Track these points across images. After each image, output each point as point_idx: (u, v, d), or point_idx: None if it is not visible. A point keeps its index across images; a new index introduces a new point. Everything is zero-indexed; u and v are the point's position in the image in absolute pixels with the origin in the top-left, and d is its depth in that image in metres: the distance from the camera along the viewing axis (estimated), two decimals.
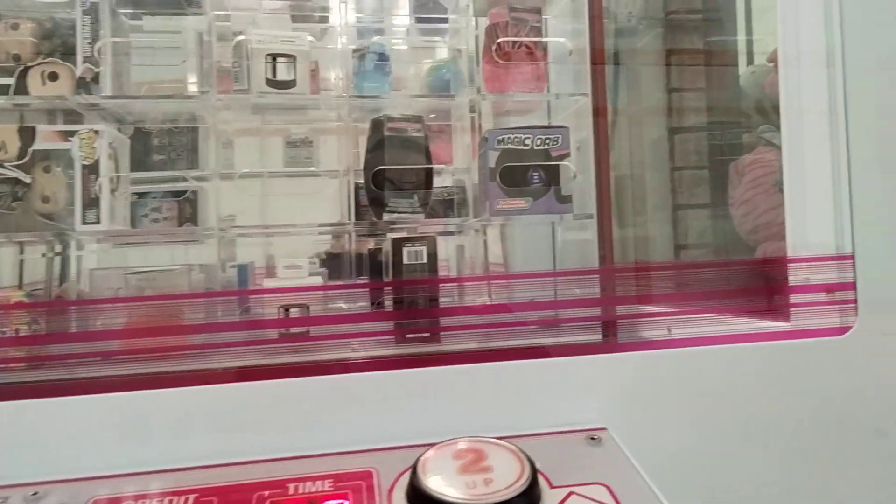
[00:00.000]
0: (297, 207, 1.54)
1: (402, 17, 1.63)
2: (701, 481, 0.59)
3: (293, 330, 1.08)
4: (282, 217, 1.51)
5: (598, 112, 1.18)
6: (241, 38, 1.06)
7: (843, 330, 0.61)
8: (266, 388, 0.56)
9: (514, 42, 1.13)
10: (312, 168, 1.59)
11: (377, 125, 1.11)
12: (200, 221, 1.38)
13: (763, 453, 0.59)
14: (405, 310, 1.05)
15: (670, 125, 1.62)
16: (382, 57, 1.49)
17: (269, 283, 1.08)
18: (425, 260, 1.10)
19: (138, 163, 1.41)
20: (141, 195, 1.51)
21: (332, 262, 1.33)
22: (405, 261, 1.10)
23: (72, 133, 1.07)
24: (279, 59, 1.07)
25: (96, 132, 1.06)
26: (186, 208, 1.45)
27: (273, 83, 1.08)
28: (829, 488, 0.62)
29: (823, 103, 0.66)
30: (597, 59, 1.23)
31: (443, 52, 1.53)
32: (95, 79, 1.07)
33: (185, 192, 1.43)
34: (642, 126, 1.64)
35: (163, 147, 1.43)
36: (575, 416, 0.55)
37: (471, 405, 0.56)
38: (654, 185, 1.61)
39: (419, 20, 1.55)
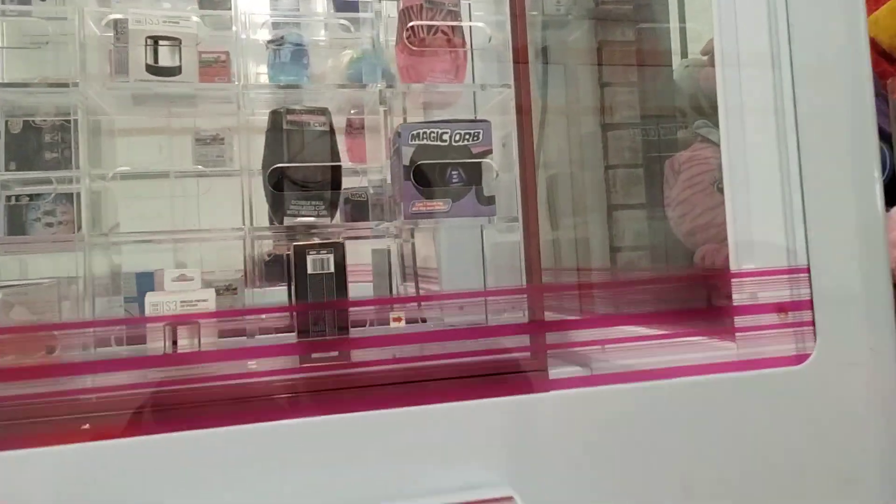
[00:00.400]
0: (210, 209, 1.40)
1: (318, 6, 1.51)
2: None
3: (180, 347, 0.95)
4: (192, 221, 1.37)
5: (522, 110, 1.08)
6: (114, 16, 0.91)
7: (799, 359, 0.52)
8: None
9: (430, 27, 1.02)
10: (219, 168, 1.46)
11: (276, 118, 0.99)
12: (102, 225, 1.23)
13: None
14: (308, 341, 0.93)
15: (603, 121, 1.54)
16: (299, 47, 1.37)
17: (152, 299, 0.94)
18: (332, 269, 0.98)
19: (29, 161, 1.25)
20: (32, 197, 1.35)
21: (272, 266, 1.20)
22: (309, 270, 0.97)
23: None
24: (161, 43, 0.93)
25: None
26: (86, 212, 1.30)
27: (154, 69, 0.94)
28: None
29: (769, 103, 0.58)
30: (519, 57, 1.14)
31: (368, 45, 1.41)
32: None
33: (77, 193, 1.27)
34: (574, 123, 1.56)
35: (55, 144, 1.27)
36: (477, 478, 0.45)
37: (367, 463, 0.45)
38: (588, 185, 1.53)
39: (338, 8, 1.42)
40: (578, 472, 0.48)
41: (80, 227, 1.20)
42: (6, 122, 1.22)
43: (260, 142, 1.05)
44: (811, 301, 0.52)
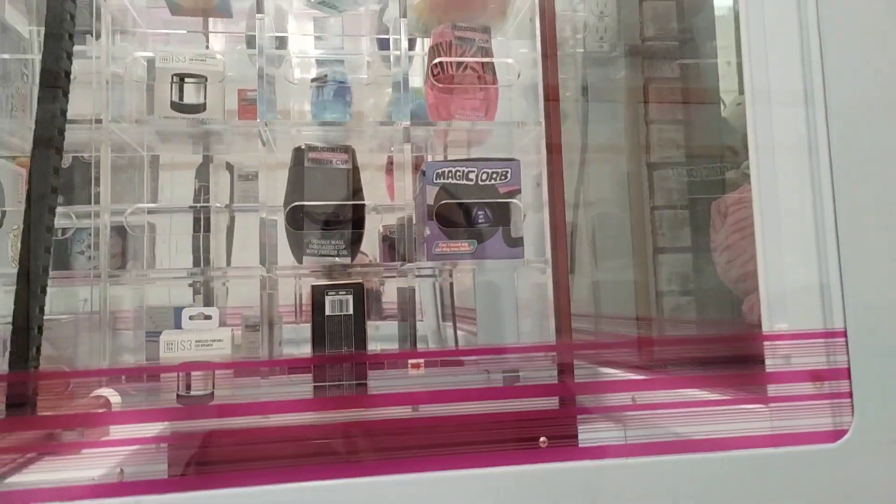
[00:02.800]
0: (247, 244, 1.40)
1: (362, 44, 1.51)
2: None
3: (194, 392, 0.92)
4: (240, 257, 1.36)
5: (552, 149, 1.04)
6: (141, 54, 0.92)
7: (836, 435, 0.46)
8: None
9: (459, 64, 0.99)
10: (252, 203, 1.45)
11: (298, 155, 0.97)
12: (146, 260, 1.24)
13: None
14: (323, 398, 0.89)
15: (648, 160, 1.48)
16: (342, 85, 1.37)
17: (167, 337, 0.92)
18: (351, 311, 0.95)
19: (76, 195, 1.27)
20: (77, 230, 1.37)
21: None
22: (328, 312, 0.94)
23: None
24: (187, 80, 0.93)
25: None
26: (129, 245, 1.32)
27: (178, 107, 0.94)
28: None
29: (802, 142, 0.52)
30: (550, 94, 1.10)
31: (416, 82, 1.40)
32: None
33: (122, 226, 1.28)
34: (618, 161, 1.51)
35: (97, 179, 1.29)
36: None
37: None
38: (632, 226, 1.47)
39: (381, 46, 1.42)
40: None
41: (124, 262, 1.21)
42: None
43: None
44: (848, 370, 0.46)
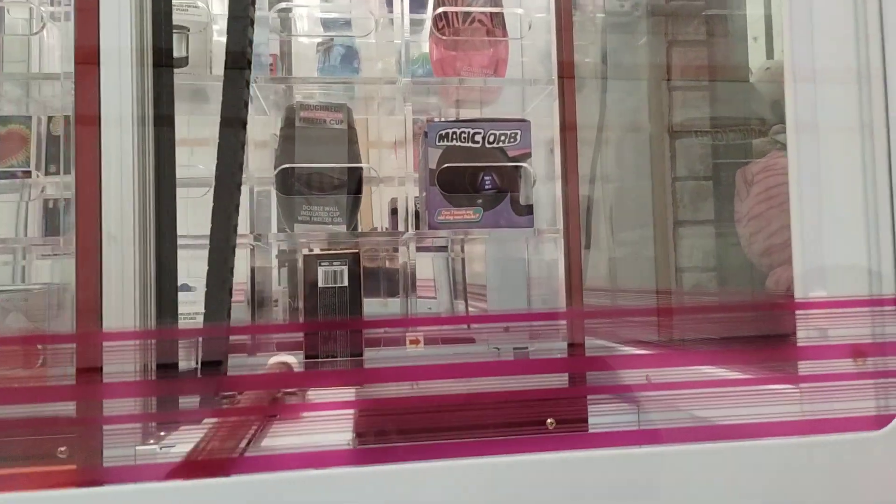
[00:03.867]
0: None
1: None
2: None
3: None
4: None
5: (566, 126, 0.97)
6: None
7: (880, 421, 0.38)
8: None
9: (465, 15, 0.91)
10: None
11: (289, 115, 0.90)
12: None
13: None
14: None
15: (671, 129, 1.40)
16: (350, 50, 1.30)
17: None
18: (346, 283, 0.88)
19: (68, 164, 1.22)
20: (67, 200, 1.33)
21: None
22: (320, 283, 0.88)
23: None
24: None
25: None
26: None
27: None
28: None
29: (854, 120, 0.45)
30: (564, 71, 1.03)
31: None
32: None
33: None
34: (638, 130, 1.43)
35: None
36: None
37: None
38: (652, 198, 1.39)
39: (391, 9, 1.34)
40: None
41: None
42: (49, 123, 1.20)
43: None
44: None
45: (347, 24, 1.34)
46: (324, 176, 0.89)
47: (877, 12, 0.44)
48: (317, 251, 0.90)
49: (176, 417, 0.49)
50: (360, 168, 0.92)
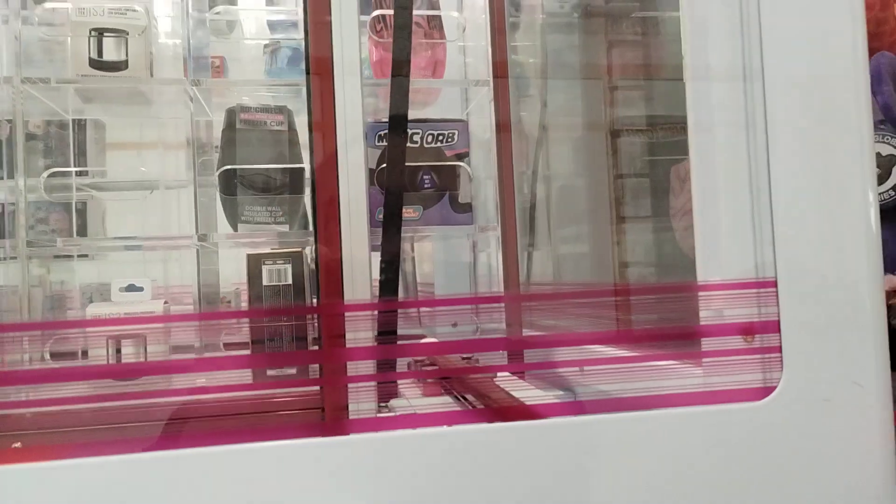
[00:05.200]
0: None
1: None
2: None
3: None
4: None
5: (501, 127, 1.01)
6: (52, 5, 0.86)
7: (764, 392, 0.42)
8: None
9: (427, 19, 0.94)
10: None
11: (230, 117, 0.92)
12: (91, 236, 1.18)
13: None
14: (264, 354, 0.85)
15: (612, 127, 1.44)
16: (297, 52, 1.32)
17: (93, 310, 0.87)
18: (290, 280, 0.90)
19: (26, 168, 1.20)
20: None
21: None
22: (265, 282, 0.90)
23: None
24: (106, 35, 0.87)
25: None
26: (77, 220, 1.26)
27: (98, 64, 0.88)
28: None
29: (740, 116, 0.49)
30: (498, 71, 1.07)
31: None
32: None
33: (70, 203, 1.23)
34: (581, 128, 1.47)
35: (49, 150, 1.23)
36: None
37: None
38: (594, 196, 1.43)
39: None
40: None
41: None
42: None
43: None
44: (778, 322, 0.42)
45: (294, 25, 1.36)
46: (265, 177, 0.91)
47: (756, 14, 0.47)
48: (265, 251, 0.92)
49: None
50: (302, 168, 0.94)
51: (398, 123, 0.72)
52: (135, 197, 1.21)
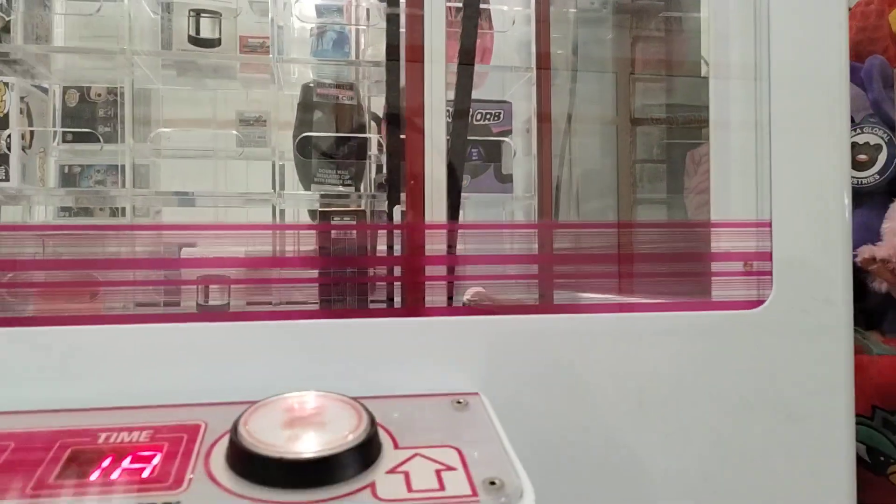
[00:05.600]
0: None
1: None
2: (585, 457, 0.53)
3: (212, 301, 1.02)
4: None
5: (542, 118, 1.15)
6: None
7: (758, 303, 0.56)
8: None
9: (457, 10, 1.07)
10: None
11: (306, 91, 1.06)
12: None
13: (659, 432, 0.53)
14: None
15: (633, 116, 1.57)
16: (341, 36, 1.44)
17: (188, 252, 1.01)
18: (354, 236, 1.04)
19: (83, 134, 1.35)
20: (83, 167, 1.46)
21: None
22: (333, 236, 1.04)
23: None
24: (203, 15, 1.01)
25: (6, 84, 1.00)
26: (133, 184, 1.40)
27: (196, 41, 1.02)
28: (731, 473, 0.57)
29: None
30: (542, 63, 1.20)
31: None
32: (6, 28, 1.00)
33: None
34: (604, 119, 1.60)
35: (108, 119, 1.37)
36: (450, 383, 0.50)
37: (345, 362, 0.50)
38: (617, 179, 1.56)
39: None
40: (550, 386, 0.53)
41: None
42: (64, 94, 1.32)
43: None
44: (771, 253, 0.56)
45: (338, 10, 1.49)
46: (337, 144, 1.05)
47: (766, 14, 0.60)
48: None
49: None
50: (366, 138, 1.08)
51: (463, 106, 0.84)
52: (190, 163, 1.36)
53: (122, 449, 0.38)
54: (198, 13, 1.01)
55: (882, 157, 1.06)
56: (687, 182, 1.38)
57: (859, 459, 0.97)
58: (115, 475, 0.35)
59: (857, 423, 0.99)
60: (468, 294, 0.96)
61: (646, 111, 1.57)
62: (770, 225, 0.57)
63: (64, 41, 1.23)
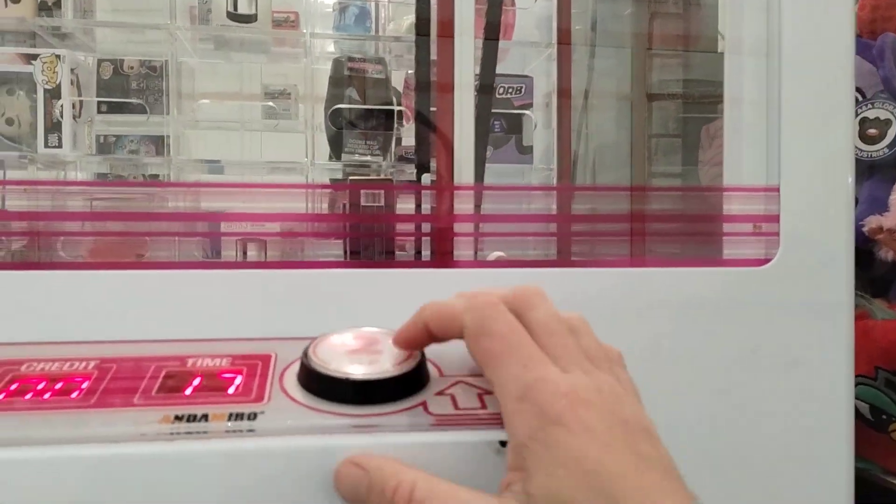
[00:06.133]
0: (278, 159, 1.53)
1: None
2: None
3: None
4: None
5: (563, 93, 1.19)
6: None
7: (766, 261, 0.61)
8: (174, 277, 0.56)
9: None
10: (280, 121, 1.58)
11: (338, 65, 1.11)
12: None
13: (670, 380, 0.59)
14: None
15: (649, 90, 1.61)
16: (363, 11, 1.49)
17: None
18: (382, 203, 1.10)
19: (118, 105, 1.41)
20: (118, 137, 1.52)
21: None
22: (363, 203, 1.10)
23: (34, 56, 1.06)
24: None
25: (58, 57, 1.05)
26: (165, 153, 1.46)
27: (234, 17, 1.07)
28: (737, 420, 0.62)
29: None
30: (563, 38, 1.24)
31: None
32: (57, 3, 1.06)
33: (161, 136, 1.43)
34: (621, 94, 1.63)
35: (141, 91, 1.43)
36: None
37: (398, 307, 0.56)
38: (631, 153, 1.60)
39: None
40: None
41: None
42: (98, 67, 1.38)
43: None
44: (778, 216, 0.62)
45: None
46: (366, 116, 1.10)
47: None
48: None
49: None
50: (393, 110, 1.13)
51: (488, 80, 0.89)
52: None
53: (208, 371, 0.44)
54: None
55: (892, 132, 1.10)
56: (701, 155, 1.43)
57: (862, 418, 1.02)
58: (206, 391, 0.41)
59: (861, 384, 1.04)
60: (491, 257, 1.02)
61: (662, 86, 1.61)
62: (778, 190, 0.62)
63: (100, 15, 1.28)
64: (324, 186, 1.06)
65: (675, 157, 1.62)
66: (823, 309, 0.61)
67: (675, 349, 0.60)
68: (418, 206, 0.80)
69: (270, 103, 1.34)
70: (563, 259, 0.70)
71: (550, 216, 0.80)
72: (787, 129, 0.63)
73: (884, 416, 1.00)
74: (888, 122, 1.09)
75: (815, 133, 0.63)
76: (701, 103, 1.61)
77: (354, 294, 0.58)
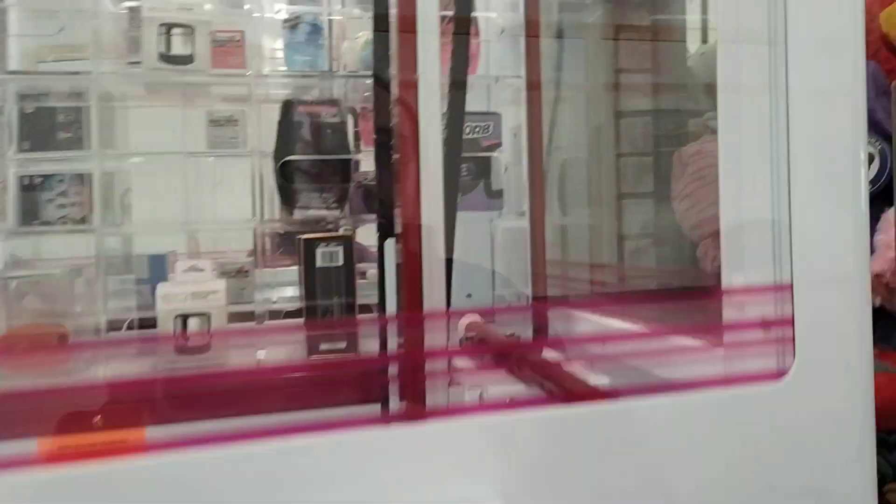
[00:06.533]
0: (224, 189, 1.41)
1: None
2: None
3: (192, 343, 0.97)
4: (206, 199, 1.38)
5: (532, 87, 1.09)
6: (128, 3, 0.93)
7: (779, 374, 0.54)
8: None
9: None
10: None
11: (287, 108, 1.00)
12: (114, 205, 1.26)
13: None
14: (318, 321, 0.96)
15: (616, 108, 1.54)
16: (315, 28, 1.38)
17: (163, 290, 0.96)
18: (341, 262, 1.00)
19: (42, 142, 1.26)
20: (45, 178, 1.37)
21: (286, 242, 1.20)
22: (318, 263, 1.00)
23: None
24: (174, 31, 0.95)
25: None
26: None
27: (167, 58, 0.96)
28: None
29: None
30: (531, 31, 1.14)
31: None
32: None
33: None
34: (588, 108, 1.56)
35: (68, 124, 1.29)
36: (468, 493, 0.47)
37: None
38: (599, 172, 1.53)
39: None
40: (567, 486, 0.51)
41: (91, 210, 1.23)
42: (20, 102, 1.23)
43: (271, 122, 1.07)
44: (793, 318, 0.54)
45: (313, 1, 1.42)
46: (319, 166, 1.00)
47: None
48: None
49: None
50: (349, 159, 1.04)
51: (460, 79, 0.80)
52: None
53: None
54: (169, 28, 0.94)
55: (874, 167, 1.05)
56: (674, 184, 1.36)
57: None
58: None
59: None
60: (463, 327, 0.94)
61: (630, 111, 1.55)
62: (792, 289, 0.54)
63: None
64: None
65: (647, 177, 1.56)
66: (849, 422, 0.54)
67: (688, 481, 0.52)
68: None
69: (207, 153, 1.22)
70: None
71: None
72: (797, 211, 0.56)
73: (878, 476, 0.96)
74: (870, 157, 1.04)
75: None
76: (672, 125, 1.55)
77: None
